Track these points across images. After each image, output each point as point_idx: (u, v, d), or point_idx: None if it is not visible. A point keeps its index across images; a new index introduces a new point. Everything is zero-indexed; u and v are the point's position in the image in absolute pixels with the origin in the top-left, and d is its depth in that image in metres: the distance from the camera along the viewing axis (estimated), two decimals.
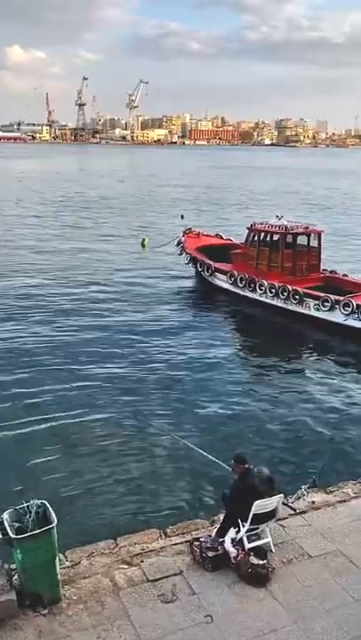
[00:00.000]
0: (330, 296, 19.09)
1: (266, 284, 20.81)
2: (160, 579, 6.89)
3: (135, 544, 7.55)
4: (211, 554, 7.05)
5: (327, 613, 6.44)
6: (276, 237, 21.64)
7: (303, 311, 19.84)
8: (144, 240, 34.08)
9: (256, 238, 22.19)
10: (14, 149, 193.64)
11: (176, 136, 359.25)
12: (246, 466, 7.33)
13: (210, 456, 9.21)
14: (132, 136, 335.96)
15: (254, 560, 6.97)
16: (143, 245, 33.57)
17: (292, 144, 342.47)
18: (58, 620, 6.28)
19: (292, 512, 8.15)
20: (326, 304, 19.05)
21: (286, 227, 21.51)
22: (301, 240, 21.92)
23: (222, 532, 7.30)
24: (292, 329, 19.72)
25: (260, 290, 21.08)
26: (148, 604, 6.51)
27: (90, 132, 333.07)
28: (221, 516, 7.88)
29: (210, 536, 7.37)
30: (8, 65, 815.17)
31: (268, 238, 21.94)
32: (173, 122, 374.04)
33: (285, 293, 20.15)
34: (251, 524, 7.12)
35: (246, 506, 6.99)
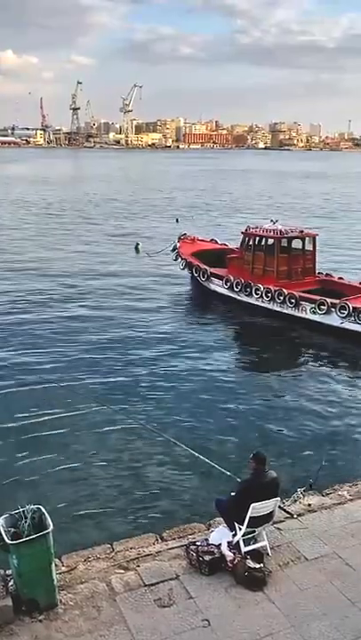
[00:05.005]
0: (326, 299, 19.13)
1: (262, 288, 20.84)
2: (157, 583, 6.87)
3: (131, 548, 7.53)
4: (207, 557, 7.04)
5: (324, 616, 6.44)
6: (270, 241, 21.65)
7: (299, 314, 19.87)
8: (138, 245, 34.18)
9: (251, 242, 22.22)
10: (9, 154, 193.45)
11: (170, 140, 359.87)
12: (261, 467, 7.22)
13: (206, 459, 9.20)
14: (126, 140, 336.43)
15: (251, 563, 6.97)
16: (137, 250, 33.67)
17: (286, 147, 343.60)
18: (54, 625, 6.25)
19: (289, 515, 8.15)
20: (323, 307, 19.08)
21: (281, 230, 21.56)
22: (296, 244, 21.96)
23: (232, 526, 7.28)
24: (289, 332, 19.73)
25: (256, 294, 21.11)
26: (145, 608, 6.49)
27: (84, 136, 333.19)
28: (218, 519, 7.88)
29: (206, 540, 7.37)
30: (2, 70, 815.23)
31: (262, 242, 21.96)
32: (168, 125, 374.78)
33: (281, 297, 20.19)
34: (247, 527, 7.12)
35: (246, 507, 6.98)
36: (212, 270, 23.37)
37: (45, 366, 15.92)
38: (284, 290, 20.24)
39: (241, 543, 7.16)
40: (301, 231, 22.25)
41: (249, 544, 7.25)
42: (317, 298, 19.49)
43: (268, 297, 20.67)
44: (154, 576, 6.98)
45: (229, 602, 6.63)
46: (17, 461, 11.08)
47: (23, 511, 6.48)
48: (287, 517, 8.11)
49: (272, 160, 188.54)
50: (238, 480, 7.83)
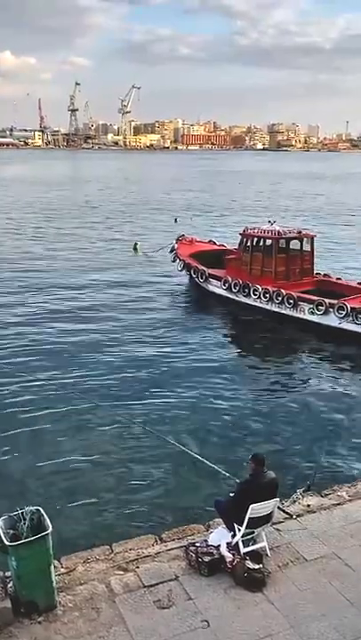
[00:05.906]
0: (324, 299, 19.16)
1: (260, 288, 20.85)
2: (156, 584, 6.86)
3: (130, 550, 7.53)
4: (206, 558, 7.03)
5: (323, 617, 6.43)
6: (268, 242, 21.68)
7: (298, 315, 19.88)
8: (136, 244, 34.19)
9: (249, 243, 22.25)
10: (7, 155, 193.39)
11: (169, 141, 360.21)
12: (260, 468, 7.23)
13: (205, 460, 9.19)
14: (124, 141, 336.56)
15: (250, 564, 6.96)
16: (135, 249, 33.69)
17: (285, 148, 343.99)
18: (53, 627, 6.24)
19: (288, 516, 8.15)
20: (321, 307, 19.10)
21: (279, 231, 21.58)
22: (294, 244, 21.98)
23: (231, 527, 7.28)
24: (287, 333, 19.75)
25: (255, 295, 21.13)
26: (144, 609, 6.49)
27: (82, 137, 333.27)
28: (218, 520, 7.87)
29: (205, 541, 7.37)
30: (0, 71, 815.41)
31: (260, 243, 22.00)
32: (166, 127, 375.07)
33: (280, 298, 20.20)
34: (246, 527, 7.11)
35: (245, 508, 6.97)
36: (211, 271, 23.38)
37: (43, 367, 15.89)
38: (283, 290, 20.26)
39: (240, 544, 7.16)
40: (299, 232, 22.27)
41: (248, 545, 7.25)
42: (316, 298, 19.51)
43: (266, 297, 20.68)
44: (153, 577, 6.97)
45: (229, 603, 6.63)
46: (16, 463, 11.07)
47: (22, 513, 6.47)
48: (286, 518, 8.11)
49: (270, 161, 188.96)
50: (237, 481, 7.82)
